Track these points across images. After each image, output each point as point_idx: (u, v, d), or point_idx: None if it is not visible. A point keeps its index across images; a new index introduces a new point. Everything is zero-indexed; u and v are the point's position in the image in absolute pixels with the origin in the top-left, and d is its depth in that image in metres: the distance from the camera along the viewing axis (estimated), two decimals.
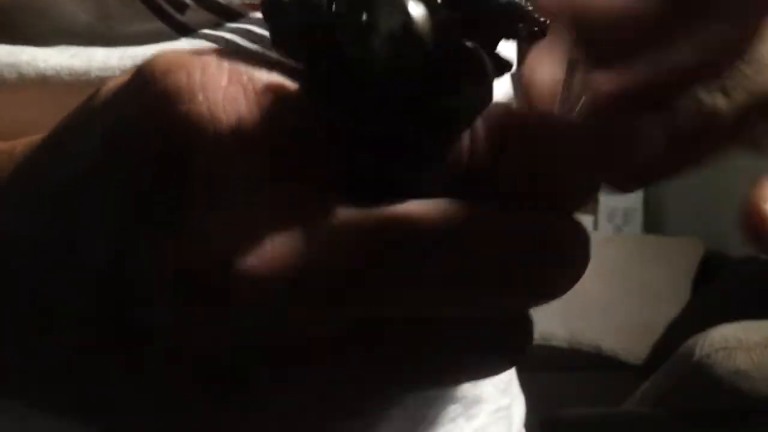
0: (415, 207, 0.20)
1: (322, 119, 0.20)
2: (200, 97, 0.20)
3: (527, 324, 0.22)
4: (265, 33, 0.39)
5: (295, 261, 0.19)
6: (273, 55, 0.40)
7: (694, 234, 2.60)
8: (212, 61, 0.20)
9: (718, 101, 0.25)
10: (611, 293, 2.41)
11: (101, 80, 0.36)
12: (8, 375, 0.24)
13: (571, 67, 0.27)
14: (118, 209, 0.20)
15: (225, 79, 0.20)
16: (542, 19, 0.21)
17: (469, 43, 0.19)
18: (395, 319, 0.20)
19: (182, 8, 0.38)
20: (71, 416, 0.23)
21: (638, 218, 2.86)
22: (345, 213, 0.20)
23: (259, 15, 0.39)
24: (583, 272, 0.21)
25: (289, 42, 0.21)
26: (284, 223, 0.19)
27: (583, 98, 0.27)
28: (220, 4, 0.39)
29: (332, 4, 0.20)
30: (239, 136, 0.20)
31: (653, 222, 2.89)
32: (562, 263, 0.21)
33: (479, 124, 0.21)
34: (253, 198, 0.20)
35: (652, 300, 2.36)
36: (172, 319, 0.19)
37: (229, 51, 0.21)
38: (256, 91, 0.20)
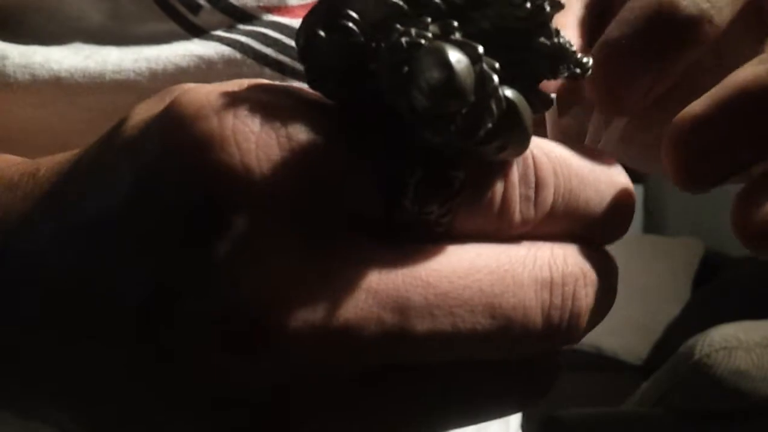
0: (445, 256, 0.20)
1: (360, 159, 0.19)
2: (233, 147, 0.19)
3: (553, 362, 0.22)
4: (279, 36, 0.40)
5: (332, 315, 0.19)
6: (296, 66, 0.40)
7: (694, 234, 2.60)
8: (242, 102, 0.20)
9: None
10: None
11: (116, 83, 0.37)
12: (20, 395, 0.23)
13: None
14: (155, 251, 0.20)
15: (257, 125, 0.19)
16: (584, 60, 0.21)
17: (508, 92, 0.19)
18: (424, 363, 0.20)
19: (196, 9, 0.38)
20: None
21: (638, 218, 2.87)
22: (380, 264, 0.19)
23: (273, 17, 0.40)
24: (609, 309, 0.22)
25: (325, 83, 0.20)
26: (319, 274, 0.19)
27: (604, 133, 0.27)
28: (234, 5, 0.39)
29: (372, 45, 0.19)
30: (272, 187, 0.19)
31: (653, 222, 2.90)
32: (596, 300, 0.21)
33: (514, 168, 0.20)
34: (287, 250, 0.19)
35: (653, 300, 2.36)
36: (203, 363, 0.19)
37: (262, 87, 0.20)
38: (290, 136, 0.19)
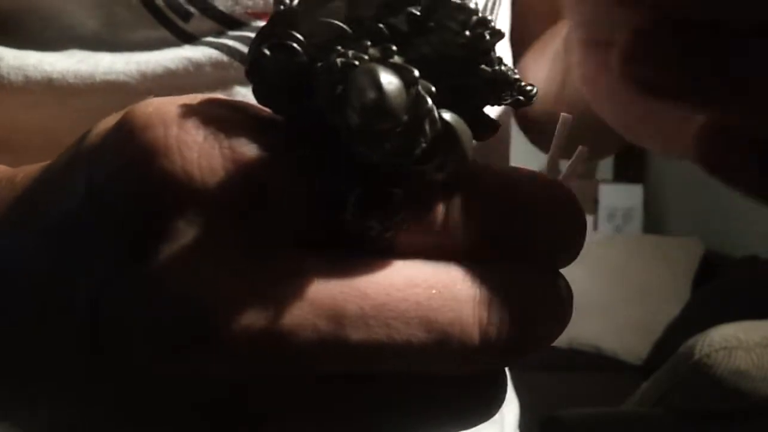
0: (383, 271, 0.20)
1: (301, 172, 0.20)
2: (175, 155, 0.19)
3: (496, 379, 0.22)
4: None
5: (269, 321, 0.19)
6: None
7: (694, 234, 2.60)
8: (190, 115, 0.20)
9: None
10: (611, 293, 2.41)
11: (106, 84, 0.38)
12: None
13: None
14: (102, 254, 0.20)
15: (201, 135, 0.20)
16: (528, 87, 0.21)
17: (446, 115, 0.20)
18: (366, 373, 0.20)
19: (186, 16, 0.39)
20: None
21: (638, 218, 2.87)
22: (318, 275, 0.20)
23: (261, 23, 0.40)
24: (562, 329, 0.22)
25: (270, 98, 0.21)
26: (257, 283, 0.19)
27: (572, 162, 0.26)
28: (223, 13, 0.39)
29: (314, 62, 0.20)
30: (213, 196, 0.19)
31: (653, 222, 2.90)
32: (536, 320, 0.21)
33: (454, 188, 0.21)
34: (226, 258, 0.19)
35: (652, 300, 2.37)
36: (150, 367, 0.20)
37: (210, 101, 0.21)
38: (232, 147, 0.20)
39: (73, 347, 0.21)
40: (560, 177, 0.26)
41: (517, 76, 0.21)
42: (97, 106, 0.37)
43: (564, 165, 0.26)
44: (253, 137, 0.20)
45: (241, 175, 0.19)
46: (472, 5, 0.20)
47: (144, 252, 0.19)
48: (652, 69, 0.20)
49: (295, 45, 0.20)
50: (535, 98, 0.22)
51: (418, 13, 0.20)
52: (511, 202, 0.21)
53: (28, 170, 0.24)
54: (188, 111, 0.20)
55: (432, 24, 0.20)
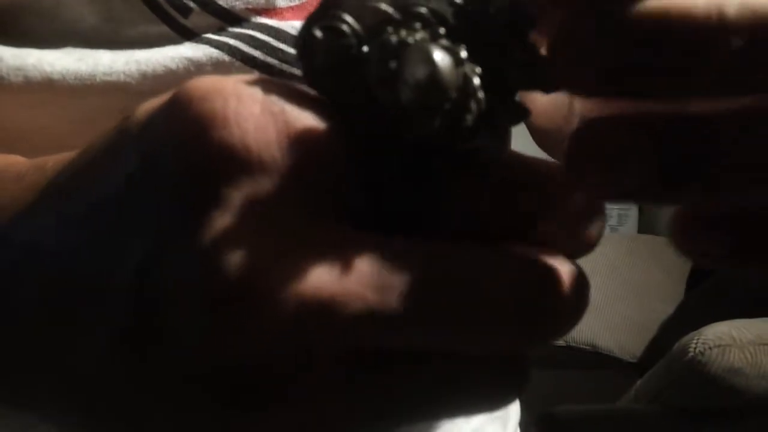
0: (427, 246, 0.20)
1: (350, 152, 0.21)
2: (233, 125, 0.20)
3: (523, 364, 0.23)
4: (267, 39, 0.41)
5: (318, 288, 0.19)
6: (284, 68, 0.41)
7: None
8: (247, 89, 0.21)
9: None
10: (607, 292, 2.42)
11: (106, 84, 0.38)
12: (19, 386, 0.24)
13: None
14: (155, 223, 0.21)
15: (258, 108, 0.20)
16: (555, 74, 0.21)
17: (488, 96, 0.20)
18: (397, 352, 0.21)
19: (186, 12, 0.39)
20: (79, 430, 0.24)
21: (633, 218, 2.87)
22: (365, 247, 0.20)
23: (261, 19, 0.41)
24: (580, 317, 0.22)
25: (319, 80, 0.21)
26: (307, 251, 0.20)
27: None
28: (223, 8, 0.39)
29: (362, 45, 0.21)
30: (268, 166, 0.20)
31: (648, 222, 2.90)
32: (556, 307, 0.22)
33: (492, 169, 0.22)
34: (277, 225, 0.20)
35: (647, 299, 2.37)
36: (195, 331, 0.20)
37: (264, 79, 0.22)
38: (287, 121, 0.20)
39: (109, 319, 0.21)
40: None
41: (543, 62, 0.21)
42: (98, 106, 0.38)
43: None
44: (305, 113, 0.21)
45: (296, 148, 0.20)
46: None
47: (200, 220, 0.20)
48: (606, 173, 0.20)
49: (344, 28, 0.20)
50: (559, 88, 0.22)
51: (461, 1, 0.21)
52: (541, 190, 0.22)
53: (59, 158, 0.25)
54: (245, 86, 0.21)
55: (471, 8, 0.21)
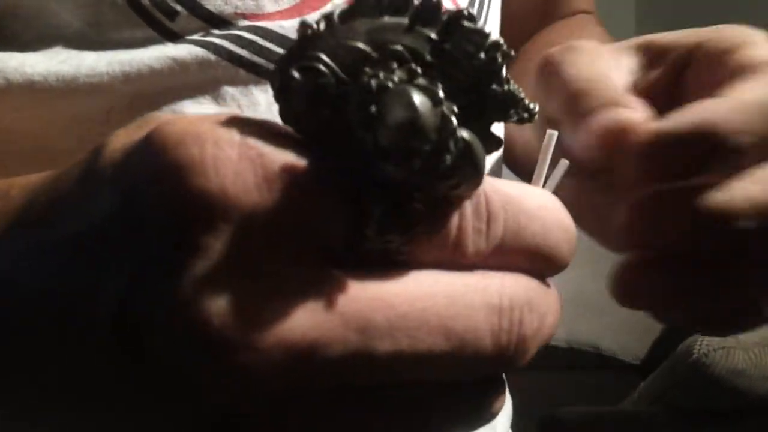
0: (407, 284, 0.21)
1: (329, 192, 0.21)
2: (211, 173, 0.20)
3: (498, 386, 0.23)
4: (254, 38, 0.40)
5: (301, 334, 0.19)
6: (271, 67, 0.40)
7: None
8: (223, 132, 0.20)
9: None
10: (609, 294, 2.41)
11: (89, 86, 0.37)
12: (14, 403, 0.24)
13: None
14: (137, 261, 0.20)
15: (235, 153, 0.20)
16: (531, 105, 0.23)
17: (465, 134, 0.21)
18: (381, 384, 0.21)
19: (173, 15, 0.38)
20: None
21: None
22: (345, 288, 0.20)
23: (248, 23, 0.40)
24: (553, 333, 0.24)
25: (298, 121, 0.21)
26: (288, 295, 0.20)
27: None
28: (211, 12, 0.39)
29: (340, 85, 0.20)
30: (246, 212, 0.20)
31: None
32: (538, 325, 0.23)
33: (467, 204, 0.22)
34: (257, 271, 0.20)
35: None
36: (176, 371, 0.20)
37: (239, 119, 0.21)
38: (264, 165, 0.20)
39: (93, 354, 0.21)
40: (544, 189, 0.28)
41: (522, 95, 0.22)
42: (82, 108, 0.37)
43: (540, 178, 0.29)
44: (284, 155, 0.20)
45: (274, 191, 0.20)
46: (486, 29, 0.22)
47: (180, 267, 0.19)
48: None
49: (321, 68, 0.20)
50: (537, 116, 0.23)
51: (437, 38, 0.21)
52: (515, 216, 0.23)
53: (23, 184, 0.24)
54: (221, 129, 0.20)
55: (448, 47, 0.21)
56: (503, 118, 0.22)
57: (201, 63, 0.38)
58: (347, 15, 0.21)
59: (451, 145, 0.20)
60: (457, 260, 0.22)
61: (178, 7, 0.38)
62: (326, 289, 0.20)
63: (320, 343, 0.20)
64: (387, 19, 0.21)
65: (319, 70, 0.20)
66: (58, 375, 0.22)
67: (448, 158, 0.20)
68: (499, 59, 0.22)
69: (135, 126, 0.22)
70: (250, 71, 0.40)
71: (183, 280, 0.19)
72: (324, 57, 0.20)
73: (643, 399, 1.58)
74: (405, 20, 0.21)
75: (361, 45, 0.21)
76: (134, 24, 0.38)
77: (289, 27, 0.41)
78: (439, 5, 0.21)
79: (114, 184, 0.21)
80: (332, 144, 0.21)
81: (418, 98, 0.20)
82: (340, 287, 0.20)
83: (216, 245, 0.19)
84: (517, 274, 0.23)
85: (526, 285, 0.23)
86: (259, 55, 0.40)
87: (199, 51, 0.38)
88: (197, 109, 0.39)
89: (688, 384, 1.48)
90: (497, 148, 0.22)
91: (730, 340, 1.45)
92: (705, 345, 1.44)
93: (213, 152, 0.20)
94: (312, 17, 0.42)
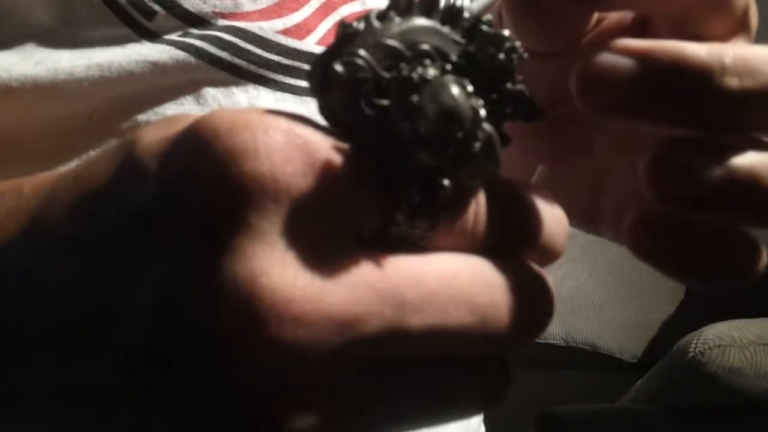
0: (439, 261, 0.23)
1: (366, 179, 0.22)
2: (263, 158, 0.21)
3: (503, 368, 0.25)
4: (234, 40, 0.41)
5: (343, 309, 0.21)
6: (252, 68, 0.41)
7: None
8: (272, 122, 0.21)
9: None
10: (607, 292, 2.42)
11: (67, 91, 0.37)
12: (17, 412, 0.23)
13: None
14: (181, 251, 0.21)
15: (284, 141, 0.21)
16: (536, 104, 0.25)
17: (487, 126, 0.23)
18: (392, 360, 0.23)
19: (150, 15, 0.38)
20: None
21: None
22: (380, 266, 0.22)
23: (227, 22, 0.40)
24: (552, 317, 0.25)
25: (335, 113, 0.23)
26: (330, 272, 0.21)
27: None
28: (189, 11, 0.39)
29: (378, 80, 0.22)
30: (294, 195, 0.21)
31: None
32: (549, 311, 0.25)
33: (481, 192, 0.24)
34: (304, 250, 0.21)
35: (648, 299, 2.38)
36: (217, 358, 0.20)
37: (281, 111, 0.22)
38: (309, 152, 0.21)
39: (122, 348, 0.21)
40: None
41: (530, 95, 0.25)
42: (61, 112, 0.37)
43: None
44: (326, 144, 0.22)
45: (317, 179, 0.21)
46: (505, 33, 0.24)
47: (230, 247, 0.20)
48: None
49: (361, 62, 0.22)
50: (542, 116, 0.25)
51: (462, 40, 0.24)
52: (521, 206, 0.25)
53: (36, 182, 0.24)
54: (268, 118, 0.22)
55: (472, 48, 0.24)
56: (514, 115, 0.24)
57: (182, 66, 0.39)
58: (383, 16, 0.23)
59: (479, 134, 0.22)
60: (471, 244, 0.24)
61: (156, 7, 0.38)
62: (363, 267, 0.21)
63: (360, 318, 0.21)
64: (417, 20, 0.23)
65: (358, 65, 0.22)
66: (68, 392, 0.22)
67: (477, 146, 0.22)
68: (515, 60, 0.24)
69: (162, 124, 0.23)
70: (231, 74, 0.41)
71: (236, 256, 0.20)
72: (363, 53, 0.22)
73: (639, 397, 1.58)
74: (432, 22, 0.23)
75: (396, 44, 0.23)
76: (110, 23, 0.38)
77: (267, 28, 0.42)
78: (461, 10, 0.24)
79: (157, 177, 0.22)
80: (367, 136, 0.22)
81: (455, 90, 0.22)
82: (376, 265, 0.21)
83: (264, 226, 0.21)
84: (520, 258, 0.25)
85: (533, 267, 0.25)
86: (239, 57, 0.41)
87: (179, 54, 0.39)
88: (179, 110, 0.40)
89: (684, 382, 1.48)
90: (506, 145, 0.24)
91: (726, 339, 1.45)
92: (701, 343, 1.45)
93: (264, 139, 0.21)
94: (289, 19, 0.43)
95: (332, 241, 0.21)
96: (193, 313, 0.20)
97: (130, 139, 0.23)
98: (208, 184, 0.21)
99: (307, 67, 0.43)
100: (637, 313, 2.35)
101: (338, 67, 0.22)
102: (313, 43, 0.45)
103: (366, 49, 0.22)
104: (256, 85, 0.42)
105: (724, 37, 0.27)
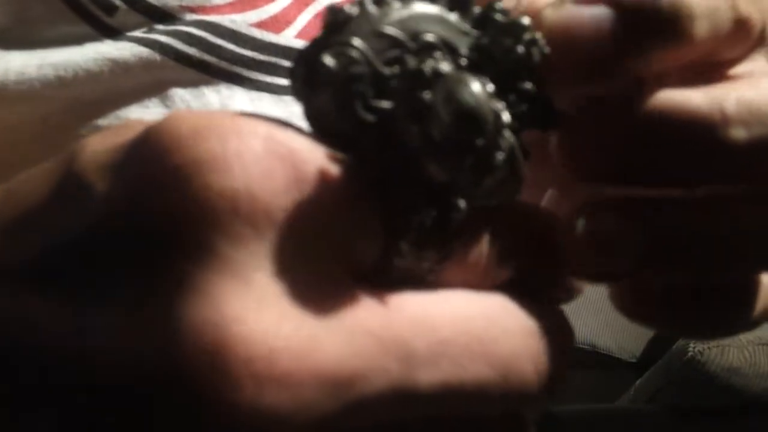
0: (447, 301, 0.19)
1: (363, 199, 0.18)
2: (237, 169, 0.17)
3: (522, 425, 0.21)
4: (204, 35, 0.37)
5: (337, 364, 0.17)
6: (223, 66, 0.37)
7: None
8: (247, 126, 0.17)
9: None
10: (606, 292, 2.41)
11: (19, 93, 0.34)
12: None
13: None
14: (125, 289, 0.17)
15: (262, 149, 0.17)
16: (560, 111, 0.21)
17: (511, 135, 0.18)
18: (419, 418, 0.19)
19: (111, 10, 0.35)
20: None
21: None
22: (382, 309, 0.18)
23: (195, 17, 0.37)
24: (566, 365, 0.21)
25: (324, 119, 0.19)
26: (320, 317, 0.17)
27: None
28: (154, 6, 0.36)
29: (376, 75, 0.18)
30: (274, 217, 0.17)
31: None
32: (562, 351, 0.21)
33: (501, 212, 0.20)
34: (287, 288, 0.17)
35: None
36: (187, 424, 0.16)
37: (259, 114, 0.18)
38: (295, 164, 0.17)
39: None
40: None
41: (550, 97, 0.20)
42: (13, 117, 0.34)
43: None
44: (315, 155, 0.18)
45: (304, 197, 0.17)
46: (524, 21, 0.19)
47: (196, 286, 0.16)
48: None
49: (355, 54, 0.18)
50: (561, 123, 0.21)
51: (473, 30, 0.19)
52: (533, 236, 0.21)
53: None
54: (243, 121, 0.18)
55: (485, 41, 0.19)
56: (533, 122, 0.20)
57: (146, 64, 0.35)
58: (380, 0, 0.19)
59: (502, 143, 0.18)
60: (487, 281, 0.20)
61: (117, 1, 0.35)
62: (362, 309, 0.17)
63: (359, 375, 0.17)
64: (419, 6, 0.19)
65: (353, 58, 0.18)
66: None
67: (500, 157, 0.18)
68: (536, 55, 0.20)
69: (112, 131, 0.19)
70: (201, 71, 0.37)
71: (199, 297, 0.16)
72: (358, 43, 0.18)
73: (639, 397, 1.59)
74: (437, 9, 0.19)
75: (397, 32, 0.18)
76: (68, 20, 0.35)
77: (240, 21, 0.38)
78: None
79: (104, 193, 0.18)
80: (365, 145, 0.18)
81: (476, 87, 0.18)
82: (378, 307, 0.18)
83: (238, 256, 0.17)
84: (539, 299, 0.21)
85: (552, 308, 0.21)
86: (209, 54, 0.37)
87: (143, 51, 0.35)
88: (144, 113, 0.36)
89: (683, 382, 1.48)
90: (527, 159, 0.20)
91: (725, 338, 1.45)
92: (700, 343, 1.45)
93: (237, 147, 0.17)
94: (264, 10, 0.39)
95: (323, 276, 0.17)
96: (145, 373, 0.16)
97: (72, 149, 0.19)
98: (166, 203, 0.17)
99: (285, 63, 0.39)
100: None
101: (328, 60, 0.18)
102: (292, 37, 0.40)
103: (361, 38, 0.18)
104: (229, 84, 0.38)
105: (740, 57, 0.22)
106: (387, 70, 0.18)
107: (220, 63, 0.37)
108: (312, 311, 0.17)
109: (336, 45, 0.18)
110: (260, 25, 0.39)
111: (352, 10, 0.18)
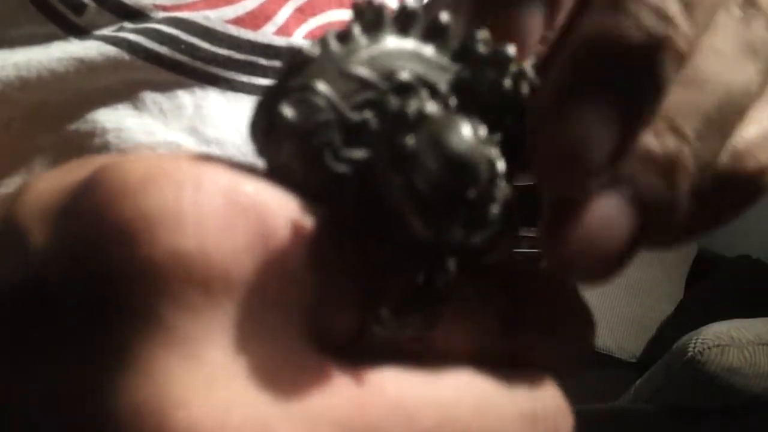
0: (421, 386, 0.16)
1: (336, 261, 0.16)
2: (191, 226, 0.14)
3: None
4: (175, 32, 0.35)
5: None
6: (197, 65, 0.35)
7: None
8: (206, 172, 0.15)
9: (669, 142, 0.17)
10: (606, 292, 2.43)
11: None
12: None
13: None
14: (56, 363, 0.15)
15: (222, 201, 0.15)
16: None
17: (506, 185, 0.16)
18: None
19: (80, 9, 0.33)
20: None
21: None
22: (353, 390, 0.15)
23: (167, 14, 0.35)
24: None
25: (289, 172, 0.16)
26: (280, 401, 0.15)
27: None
28: (123, 3, 0.34)
29: (343, 121, 0.16)
30: (234, 282, 0.15)
31: None
32: None
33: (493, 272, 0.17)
34: (244, 365, 0.15)
35: (647, 298, 2.38)
36: None
37: (218, 157, 0.16)
38: (260, 220, 0.15)
39: None
40: None
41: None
42: None
43: None
44: (283, 208, 0.15)
45: (269, 259, 0.15)
46: (509, 51, 0.17)
47: (140, 365, 0.14)
48: None
49: (319, 101, 0.16)
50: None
51: (453, 64, 0.17)
52: (544, 300, 0.18)
53: None
54: (200, 166, 0.15)
55: (466, 75, 0.17)
56: (523, 167, 0.17)
57: (114, 64, 0.33)
58: (345, 36, 0.16)
59: (497, 194, 0.16)
60: (477, 351, 0.17)
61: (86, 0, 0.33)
62: (333, 392, 0.15)
63: None
64: (390, 40, 0.17)
65: (315, 104, 0.16)
66: None
67: (495, 210, 0.16)
68: (524, 90, 0.17)
69: (57, 173, 0.17)
70: (173, 71, 0.34)
71: (139, 375, 0.14)
72: (321, 87, 0.16)
73: (639, 397, 1.59)
74: (411, 42, 0.17)
75: (366, 72, 0.16)
76: (33, 19, 0.32)
77: (215, 18, 0.35)
78: (448, 25, 0.17)
79: (42, 250, 0.15)
80: (339, 199, 0.16)
81: (467, 131, 0.15)
82: (348, 391, 0.15)
83: (189, 328, 0.14)
84: (544, 375, 0.18)
85: (554, 386, 0.18)
86: (182, 53, 0.34)
87: (110, 50, 0.33)
88: (114, 117, 0.34)
89: (683, 382, 1.49)
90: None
91: (724, 339, 1.46)
92: (700, 343, 1.46)
93: (193, 198, 0.15)
94: (241, 6, 0.36)
95: (287, 350, 0.15)
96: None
97: (11, 195, 0.17)
98: (107, 264, 0.14)
99: (264, 62, 0.37)
100: (637, 313, 2.35)
101: (287, 111, 0.16)
102: (272, 33, 0.37)
103: (325, 81, 0.16)
104: (203, 85, 0.35)
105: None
106: (357, 116, 0.16)
107: (194, 62, 0.34)
108: (270, 394, 0.14)
109: (296, 91, 0.16)
110: (237, 21, 0.36)
111: (314, 49, 0.16)
